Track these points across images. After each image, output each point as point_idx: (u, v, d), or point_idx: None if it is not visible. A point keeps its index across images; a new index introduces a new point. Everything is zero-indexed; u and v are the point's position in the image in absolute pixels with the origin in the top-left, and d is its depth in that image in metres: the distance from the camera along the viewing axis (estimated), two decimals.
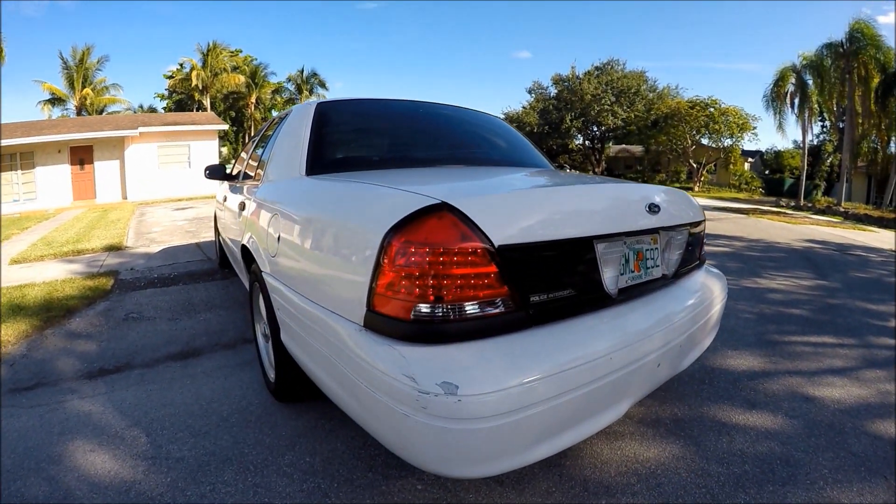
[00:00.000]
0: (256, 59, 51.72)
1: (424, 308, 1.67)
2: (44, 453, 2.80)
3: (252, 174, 4.35)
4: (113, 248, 9.98)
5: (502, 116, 49.60)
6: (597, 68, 41.67)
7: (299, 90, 53.98)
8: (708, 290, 2.72)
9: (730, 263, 8.02)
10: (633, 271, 2.22)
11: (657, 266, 2.39)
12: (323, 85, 54.18)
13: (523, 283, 1.78)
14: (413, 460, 1.72)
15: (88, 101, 39.06)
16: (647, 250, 2.32)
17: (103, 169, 26.23)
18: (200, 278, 6.97)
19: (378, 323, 1.75)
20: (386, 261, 1.71)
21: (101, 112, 40.35)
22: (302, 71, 53.82)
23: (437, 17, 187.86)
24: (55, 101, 40.24)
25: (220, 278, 6.91)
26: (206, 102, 45.95)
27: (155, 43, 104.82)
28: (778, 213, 19.75)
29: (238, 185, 4.77)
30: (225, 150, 53.69)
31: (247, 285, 4.00)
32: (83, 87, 38.92)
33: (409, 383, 1.59)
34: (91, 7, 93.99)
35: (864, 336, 4.65)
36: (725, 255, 8.88)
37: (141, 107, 56.59)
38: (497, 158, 3.76)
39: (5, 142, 23.52)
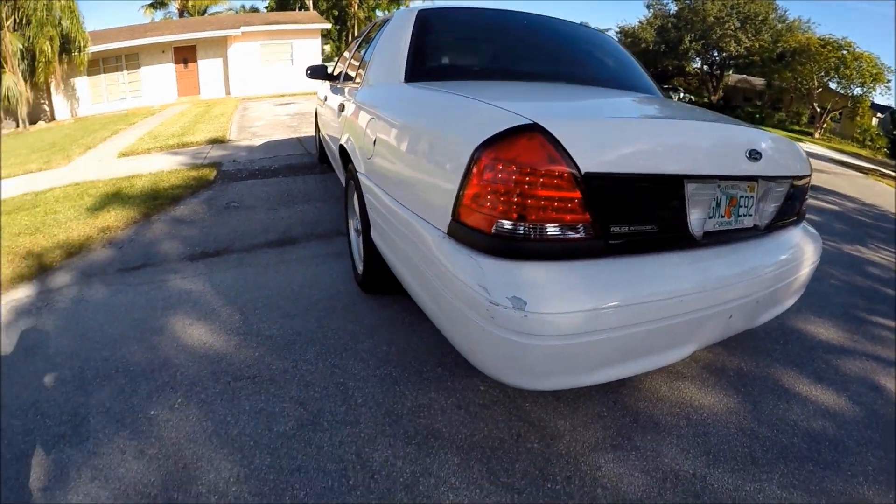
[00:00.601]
0: None
1: (506, 224, 1.68)
2: (147, 325, 2.99)
3: (353, 76, 4.31)
4: (216, 141, 10.31)
5: (617, 30, 44.79)
6: None
7: None
8: (800, 249, 2.54)
9: (836, 224, 7.18)
10: (723, 216, 2.12)
11: (750, 215, 2.26)
12: None
13: (606, 212, 1.74)
14: (478, 365, 1.80)
15: (190, 3, 39.66)
16: (741, 197, 2.19)
17: (207, 67, 27.02)
18: (300, 171, 7.12)
19: (461, 233, 1.79)
20: (474, 174, 1.74)
21: (203, 13, 41.04)
22: None
23: None
24: (157, 4, 40.98)
25: (319, 172, 7.02)
26: (309, 1, 45.89)
27: None
28: None
29: (339, 85, 4.77)
30: (328, 48, 53.94)
31: (343, 182, 4.05)
32: None
33: (481, 293, 1.64)
34: None
35: None
36: (833, 214, 7.86)
37: (243, 7, 57.26)
38: (603, 79, 3.48)
39: (112, 45, 24.74)
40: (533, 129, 1.68)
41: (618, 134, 1.85)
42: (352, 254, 3.62)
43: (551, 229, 1.69)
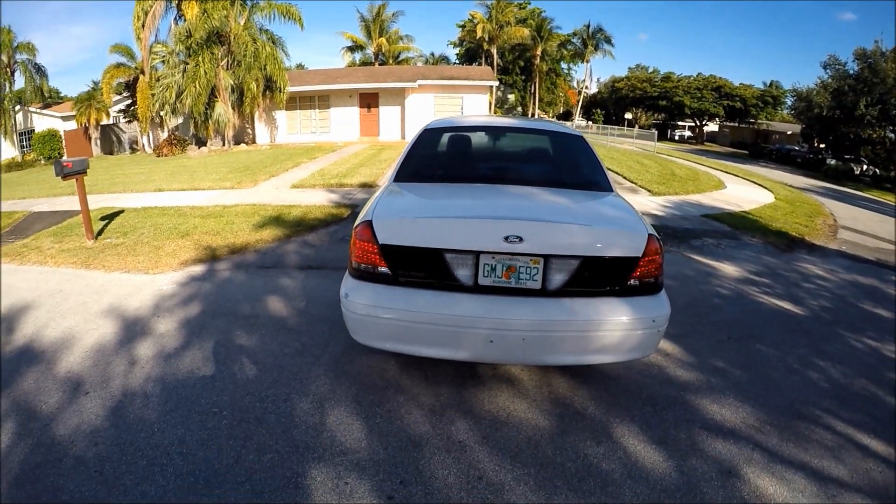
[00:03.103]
0: (545, 12, 54.19)
1: (354, 263, 3.41)
2: (257, 297, 5.49)
3: None
4: (366, 186, 12.99)
5: (791, 91, 41.86)
6: None
7: (584, 45, 55.74)
8: (592, 314, 3.21)
9: None
10: (500, 277, 3.24)
11: (534, 280, 3.24)
12: (608, 41, 55.52)
13: (394, 263, 3.31)
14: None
15: (383, 49, 45.64)
16: (521, 266, 3.22)
17: (386, 113, 31.39)
18: None
19: (348, 265, 3.55)
20: (352, 238, 3.48)
21: (396, 57, 47.05)
22: (588, 26, 55.65)
23: None
24: (355, 48, 48.24)
25: None
26: (494, 52, 50.03)
27: None
28: None
29: None
30: (512, 97, 57.45)
31: None
32: (380, 36, 45.58)
33: (342, 290, 3.44)
34: None
35: None
36: None
37: (432, 54, 63.23)
38: (533, 178, 4.66)
39: (307, 87, 30.38)
40: (368, 223, 3.34)
41: (404, 226, 3.42)
42: None
43: (368, 268, 3.35)
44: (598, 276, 3.27)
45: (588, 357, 3.32)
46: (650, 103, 66.22)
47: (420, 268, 3.33)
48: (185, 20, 26.20)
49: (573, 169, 4.84)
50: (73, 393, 3.75)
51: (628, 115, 67.85)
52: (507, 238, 3.13)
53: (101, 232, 8.38)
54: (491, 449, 3.17)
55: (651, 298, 3.35)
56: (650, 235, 3.31)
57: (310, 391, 3.78)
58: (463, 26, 55.52)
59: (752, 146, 51.33)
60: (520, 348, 3.22)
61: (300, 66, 61.70)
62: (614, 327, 3.20)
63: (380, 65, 44.40)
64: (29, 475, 2.92)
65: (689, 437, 3.33)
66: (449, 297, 3.26)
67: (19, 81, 36.64)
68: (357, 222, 3.49)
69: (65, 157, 6.88)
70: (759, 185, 18.34)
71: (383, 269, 3.32)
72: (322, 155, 21.54)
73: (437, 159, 5.06)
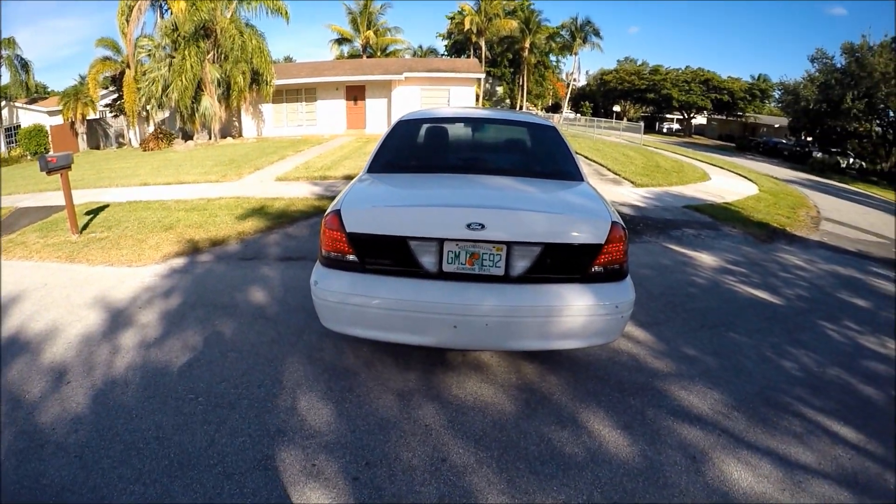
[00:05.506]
0: (532, 4, 53.97)
1: (324, 252, 3.45)
2: (236, 287, 5.62)
3: None
4: (349, 178, 12.95)
5: (779, 84, 42.85)
6: (895, 40, 32.68)
7: (573, 37, 55.72)
8: (555, 299, 3.26)
9: None
10: (464, 265, 3.28)
11: (497, 267, 3.27)
12: (597, 33, 55.43)
13: (362, 251, 3.35)
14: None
15: (371, 42, 45.57)
16: (485, 253, 3.26)
17: (373, 105, 31.36)
18: None
19: (318, 253, 3.60)
20: (321, 227, 3.52)
21: (384, 50, 47.00)
22: (575, 19, 55.52)
23: None
24: (343, 41, 48.14)
25: None
26: (483, 45, 50.16)
27: None
28: None
29: None
30: (500, 89, 57.53)
31: None
32: (367, 28, 45.52)
33: (312, 277, 3.49)
34: None
35: None
36: None
37: (420, 47, 63.20)
38: (504, 167, 4.72)
39: (294, 80, 30.23)
40: (337, 212, 3.39)
41: (370, 215, 3.44)
42: None
43: (337, 256, 3.39)
44: (562, 263, 3.30)
45: (552, 342, 3.35)
46: (638, 96, 66.49)
47: (386, 255, 3.37)
48: (171, 14, 26.08)
49: (544, 159, 4.89)
50: (56, 382, 3.86)
51: (617, 108, 68.10)
52: (469, 225, 3.16)
53: (85, 226, 8.44)
54: (456, 432, 3.28)
55: (615, 285, 3.37)
56: (614, 223, 3.32)
57: (283, 377, 3.91)
58: (452, 18, 55.36)
59: (740, 139, 52.08)
60: (483, 334, 3.26)
61: (288, 59, 61.38)
62: (577, 313, 3.23)
63: (368, 57, 44.04)
64: (12, 461, 3.04)
65: (655, 422, 3.42)
66: (414, 284, 3.30)
67: (4, 77, 36.41)
68: (327, 212, 3.54)
69: (50, 153, 7.06)
70: (744, 177, 18.52)
71: (351, 256, 3.36)
72: (308, 148, 21.62)
73: (410, 150, 5.08)
